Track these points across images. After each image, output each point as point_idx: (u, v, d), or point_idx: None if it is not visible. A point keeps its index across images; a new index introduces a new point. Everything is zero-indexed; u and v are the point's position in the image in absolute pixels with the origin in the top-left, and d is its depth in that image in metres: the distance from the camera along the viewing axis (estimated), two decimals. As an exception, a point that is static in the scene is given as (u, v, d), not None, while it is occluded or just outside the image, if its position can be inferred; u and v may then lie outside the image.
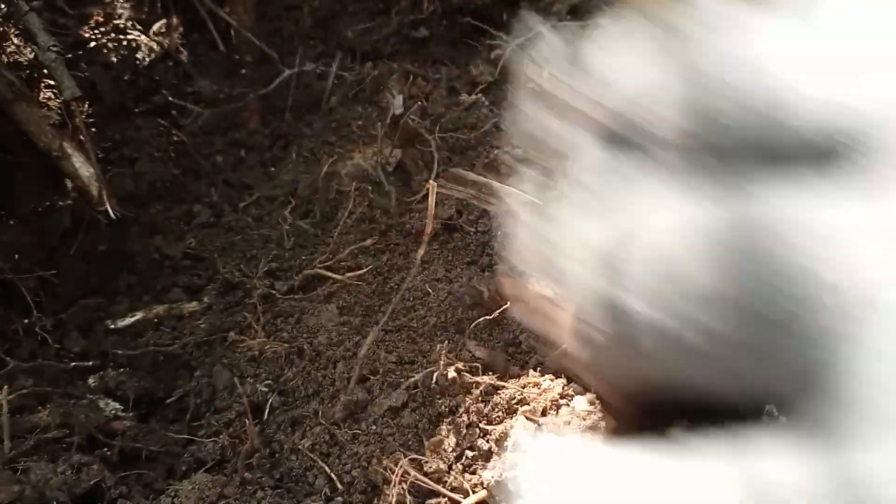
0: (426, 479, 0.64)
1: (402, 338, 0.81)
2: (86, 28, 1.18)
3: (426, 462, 0.66)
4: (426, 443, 0.67)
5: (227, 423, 0.78)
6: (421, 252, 0.75)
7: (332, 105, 1.21)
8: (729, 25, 0.58)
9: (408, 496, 0.63)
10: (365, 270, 0.90)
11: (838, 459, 0.41)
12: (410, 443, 0.68)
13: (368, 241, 0.95)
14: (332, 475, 0.68)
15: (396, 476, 0.64)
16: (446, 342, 0.76)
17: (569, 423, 0.65)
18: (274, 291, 0.91)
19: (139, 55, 1.19)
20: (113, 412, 0.76)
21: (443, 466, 0.65)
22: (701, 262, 0.48)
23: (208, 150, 1.14)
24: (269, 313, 0.88)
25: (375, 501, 0.65)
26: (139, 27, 1.23)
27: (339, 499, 0.66)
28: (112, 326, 0.86)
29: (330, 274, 0.90)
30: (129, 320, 0.87)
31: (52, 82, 0.96)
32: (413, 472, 0.64)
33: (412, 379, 0.72)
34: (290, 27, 1.29)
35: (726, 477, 0.44)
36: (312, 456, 0.70)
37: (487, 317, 0.78)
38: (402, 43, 1.28)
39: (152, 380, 0.82)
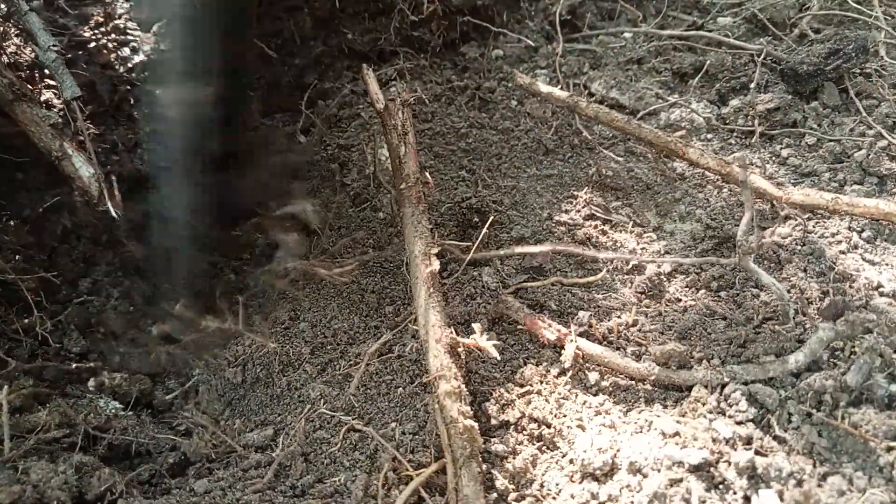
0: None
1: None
2: (86, 28, 1.17)
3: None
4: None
5: (226, 420, 0.78)
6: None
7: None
8: None
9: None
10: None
11: None
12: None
13: (360, 234, 0.96)
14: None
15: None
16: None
17: None
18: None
19: (139, 55, 1.18)
20: (113, 411, 0.76)
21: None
22: None
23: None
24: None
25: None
26: (139, 27, 1.23)
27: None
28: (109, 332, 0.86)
29: (321, 270, 0.90)
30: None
31: (52, 82, 0.96)
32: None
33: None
34: (290, 27, 1.29)
35: None
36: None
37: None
38: (403, 43, 1.28)
39: (151, 380, 0.82)
